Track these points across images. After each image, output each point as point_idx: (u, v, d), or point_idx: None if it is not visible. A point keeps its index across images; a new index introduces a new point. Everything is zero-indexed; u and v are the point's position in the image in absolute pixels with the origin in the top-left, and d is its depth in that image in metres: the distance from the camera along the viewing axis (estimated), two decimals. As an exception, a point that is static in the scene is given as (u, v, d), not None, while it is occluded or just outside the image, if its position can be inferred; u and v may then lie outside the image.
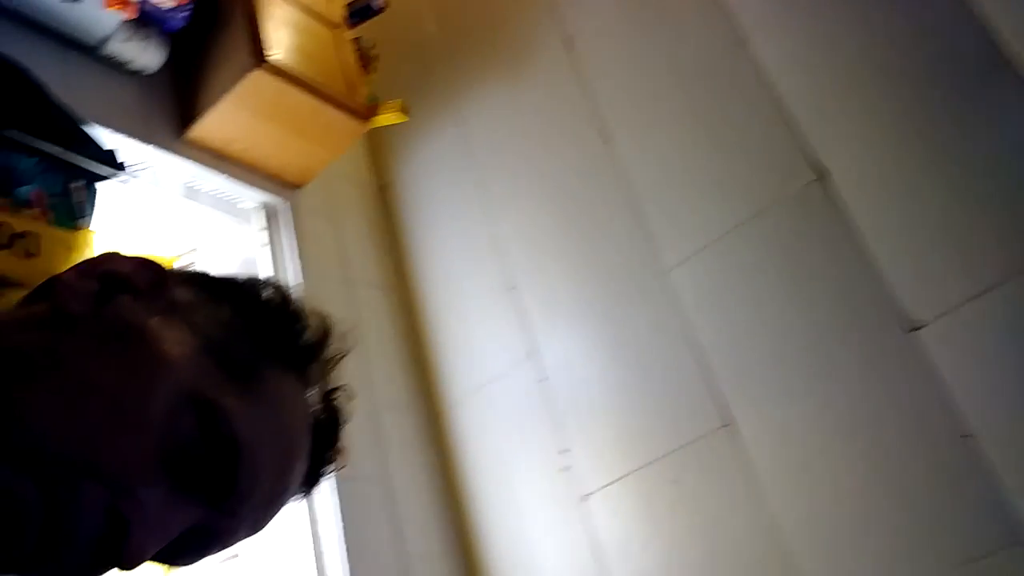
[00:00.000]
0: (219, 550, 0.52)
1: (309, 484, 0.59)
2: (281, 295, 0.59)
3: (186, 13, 2.26)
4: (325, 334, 0.59)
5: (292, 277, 2.44)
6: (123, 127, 2.19)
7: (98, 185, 2.22)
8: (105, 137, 2.10)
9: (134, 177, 2.18)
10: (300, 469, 0.55)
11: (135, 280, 0.52)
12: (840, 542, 1.74)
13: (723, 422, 1.96)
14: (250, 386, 0.50)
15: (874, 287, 1.82)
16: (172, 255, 2.22)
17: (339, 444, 0.61)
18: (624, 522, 2.07)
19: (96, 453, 0.44)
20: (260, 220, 2.52)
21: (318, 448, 0.57)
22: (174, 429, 0.46)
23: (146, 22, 2.23)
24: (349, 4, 2.65)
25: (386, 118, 2.44)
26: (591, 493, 2.14)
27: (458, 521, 2.36)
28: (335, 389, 0.61)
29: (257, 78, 2.22)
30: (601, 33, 2.48)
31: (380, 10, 2.66)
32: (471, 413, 2.45)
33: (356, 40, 2.63)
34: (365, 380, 2.40)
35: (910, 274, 1.79)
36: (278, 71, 2.25)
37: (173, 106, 2.36)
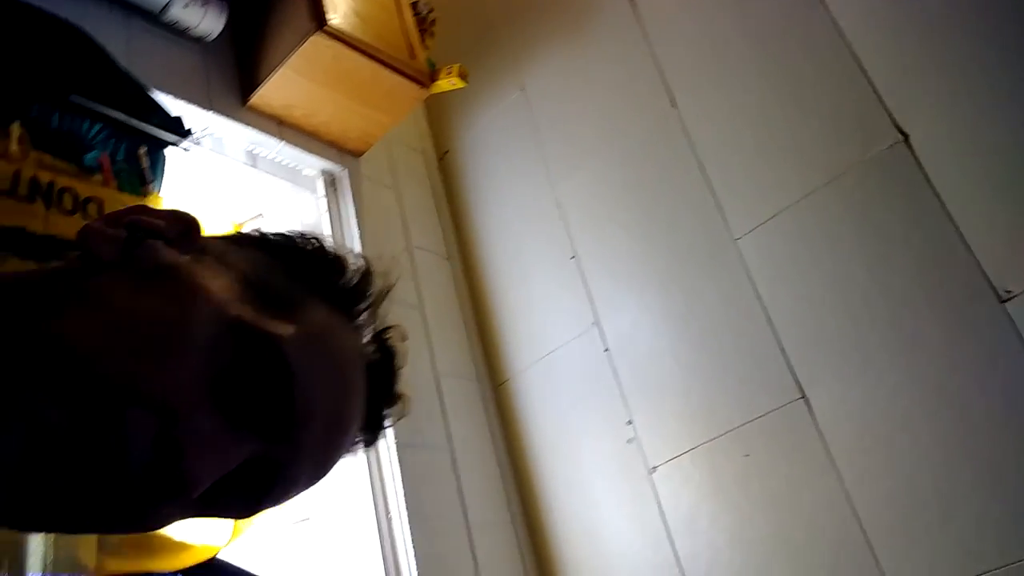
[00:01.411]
0: (284, 492, 0.48)
1: (371, 430, 0.56)
2: (317, 240, 0.58)
3: (246, -22, 2.24)
4: (366, 273, 0.58)
5: (353, 244, 2.42)
6: (185, 94, 2.19)
7: (165, 152, 2.21)
8: (168, 104, 2.11)
9: (198, 144, 2.18)
10: (358, 405, 0.52)
11: (165, 229, 0.50)
12: (918, 524, 1.67)
13: (798, 394, 1.90)
14: (295, 317, 0.48)
15: (961, 256, 1.72)
16: (237, 222, 2.22)
17: (397, 386, 0.59)
18: (692, 495, 2.02)
19: (139, 378, 0.41)
20: (320, 187, 2.51)
21: (375, 390, 0.55)
22: (219, 356, 0.44)
23: (207, -13, 2.21)
24: (408, -35, 2.59)
25: (446, 83, 2.39)
26: (658, 465, 2.09)
27: (522, 490, 2.34)
28: (387, 329, 0.59)
29: (317, 42, 2.20)
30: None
31: (440, -29, 2.60)
32: (534, 382, 2.42)
33: (415, 4, 2.58)
34: (426, 348, 2.38)
35: (1000, 242, 1.69)
36: (338, 35, 2.22)
37: (234, 72, 2.35)
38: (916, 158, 1.82)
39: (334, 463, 0.52)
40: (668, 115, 2.28)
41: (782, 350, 1.94)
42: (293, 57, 2.23)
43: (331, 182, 2.53)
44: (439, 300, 2.55)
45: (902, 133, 1.85)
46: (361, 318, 0.57)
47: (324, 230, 2.44)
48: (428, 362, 2.36)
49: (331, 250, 0.58)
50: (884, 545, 1.71)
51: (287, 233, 0.58)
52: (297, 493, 0.50)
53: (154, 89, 2.09)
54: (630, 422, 2.18)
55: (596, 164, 2.43)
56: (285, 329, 0.46)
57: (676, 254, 2.19)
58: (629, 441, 2.17)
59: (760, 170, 2.07)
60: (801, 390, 1.89)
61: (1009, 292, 1.66)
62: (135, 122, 2.05)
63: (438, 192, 2.83)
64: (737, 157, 2.12)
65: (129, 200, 1.97)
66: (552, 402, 2.36)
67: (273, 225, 2.39)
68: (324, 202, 2.49)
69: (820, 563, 1.79)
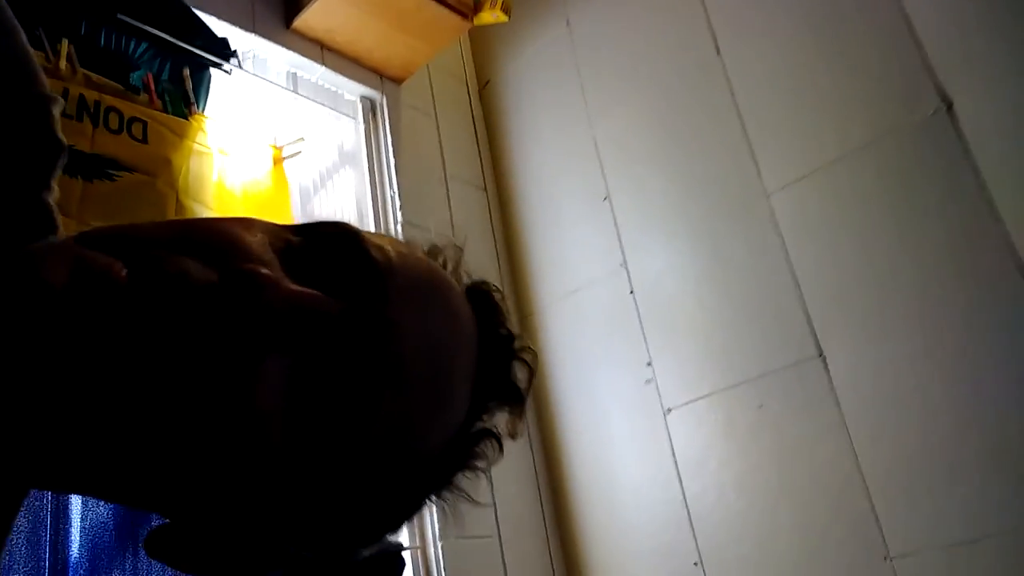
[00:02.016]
0: (396, 357, 0.39)
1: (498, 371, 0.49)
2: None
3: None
4: (433, 246, 0.52)
5: (389, 170, 2.46)
6: (230, 15, 2.20)
7: (210, 72, 2.24)
8: (213, 25, 2.13)
9: (242, 66, 2.21)
10: (455, 297, 0.47)
11: None
12: (921, 488, 1.73)
13: (816, 352, 1.93)
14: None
15: (993, 232, 1.72)
16: (280, 144, 2.26)
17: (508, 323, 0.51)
18: (704, 439, 2.10)
19: (198, 233, 0.37)
20: (360, 112, 2.53)
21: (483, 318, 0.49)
22: (278, 235, 0.40)
23: (253, -94, 2.20)
24: None
25: (489, 16, 2.37)
26: (674, 408, 2.16)
27: (541, 423, 2.43)
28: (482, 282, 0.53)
29: (362, -31, 2.19)
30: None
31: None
32: (560, 318, 2.48)
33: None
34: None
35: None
36: (383, -38, 2.20)
37: (278, -4, 2.35)
38: (957, 128, 1.79)
39: (453, 354, 0.44)
40: (711, 62, 2.25)
41: (804, 308, 1.97)
42: (337, -17, 2.22)
43: (371, 108, 2.55)
44: (471, 231, 2.60)
45: (946, 101, 1.82)
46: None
47: (362, 156, 2.48)
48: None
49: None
50: (885, 505, 1.77)
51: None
52: (415, 389, 0.41)
53: (199, 10, 2.11)
54: (649, 364, 2.23)
55: (636, 106, 2.42)
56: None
57: (708, 203, 2.20)
58: (647, 382, 2.23)
59: (799, 126, 2.05)
60: (819, 349, 1.93)
61: (1037, 270, 1.66)
62: (180, 42, 2.08)
63: (478, 122, 2.84)
64: (777, 111, 2.10)
65: (174, 122, 2.02)
66: (575, 339, 2.43)
67: (314, 151, 2.43)
68: (363, 127, 2.51)
69: (821, 515, 1.87)
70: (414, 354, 0.40)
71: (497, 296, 0.52)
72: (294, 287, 0.36)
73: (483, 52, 2.90)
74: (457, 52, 2.89)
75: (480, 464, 0.50)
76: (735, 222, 2.14)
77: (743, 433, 2.04)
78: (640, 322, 2.28)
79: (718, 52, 2.25)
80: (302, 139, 2.31)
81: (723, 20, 2.25)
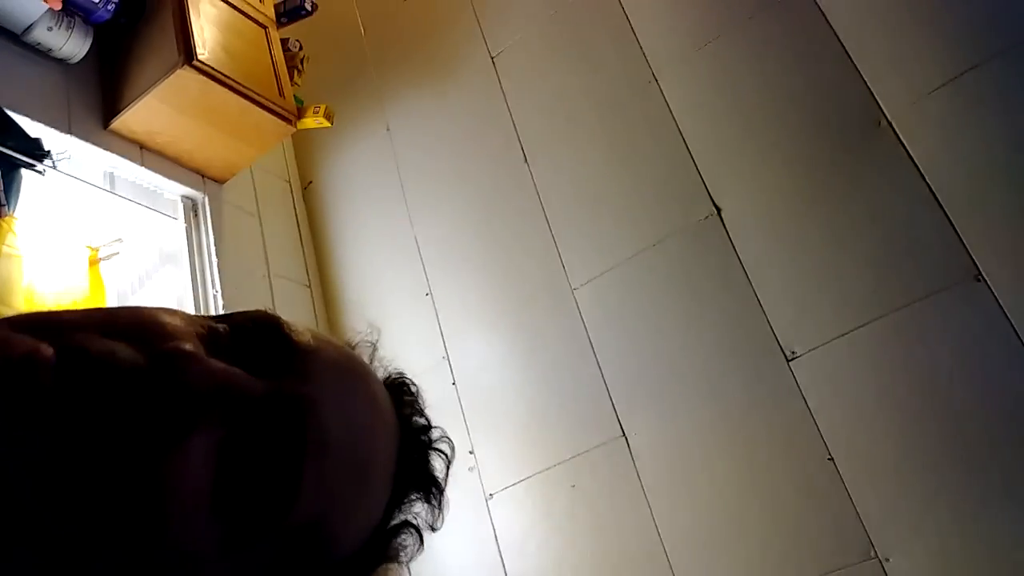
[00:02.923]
0: (320, 448, 0.40)
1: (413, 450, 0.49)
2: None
3: (113, 5, 2.27)
4: (348, 344, 0.52)
5: (212, 269, 2.48)
6: (45, 115, 2.19)
7: (22, 173, 2.20)
8: (27, 125, 2.11)
9: (57, 167, 2.18)
10: (371, 375, 0.47)
11: None
12: (713, 547, 1.93)
13: (619, 432, 2.12)
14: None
15: (757, 318, 2.00)
16: (96, 245, 2.23)
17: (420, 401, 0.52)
18: (525, 521, 2.22)
19: (123, 318, 0.38)
20: (181, 212, 2.54)
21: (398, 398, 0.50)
22: (203, 325, 0.41)
23: (72, 11, 2.23)
24: (279, 4, 2.67)
25: (312, 122, 2.49)
26: (495, 493, 2.27)
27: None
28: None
29: (184, 76, 2.24)
30: (525, 54, 2.59)
31: (311, 12, 2.69)
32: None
33: (285, 41, 2.66)
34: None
35: (789, 308, 1.98)
36: (206, 70, 2.27)
37: (98, 97, 2.36)
38: (727, 229, 2.09)
39: (372, 438, 0.44)
40: (520, 168, 2.48)
41: (608, 391, 2.17)
42: (159, 87, 2.26)
43: (192, 207, 2.57)
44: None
45: (716, 206, 2.12)
46: None
47: (183, 255, 2.48)
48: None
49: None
50: (684, 567, 1.95)
51: None
52: (336, 467, 0.41)
53: (12, 111, 2.09)
54: (471, 451, 2.35)
55: (453, 207, 2.60)
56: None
57: (522, 298, 2.39)
58: (470, 469, 2.33)
59: (598, 228, 2.30)
60: (622, 428, 2.12)
61: (794, 352, 1.94)
62: (-10, 142, 2.04)
63: (301, 221, 2.91)
64: (579, 214, 2.34)
65: (-19, 223, 1.97)
66: (401, 430, 2.49)
67: (133, 251, 2.41)
68: (184, 227, 2.52)
69: (630, 584, 2.02)
70: (336, 432, 0.41)
71: (414, 388, 0.53)
72: (218, 364, 0.36)
73: (306, 153, 3.01)
74: (280, 154, 2.97)
75: (401, 557, 0.49)
76: (546, 315, 2.33)
77: (559, 512, 2.18)
78: (462, 411, 2.40)
79: (526, 160, 2.48)
80: (120, 240, 2.29)
81: (530, 132, 2.50)
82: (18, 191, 2.12)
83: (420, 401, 0.52)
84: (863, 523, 1.78)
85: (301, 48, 2.67)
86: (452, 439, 0.53)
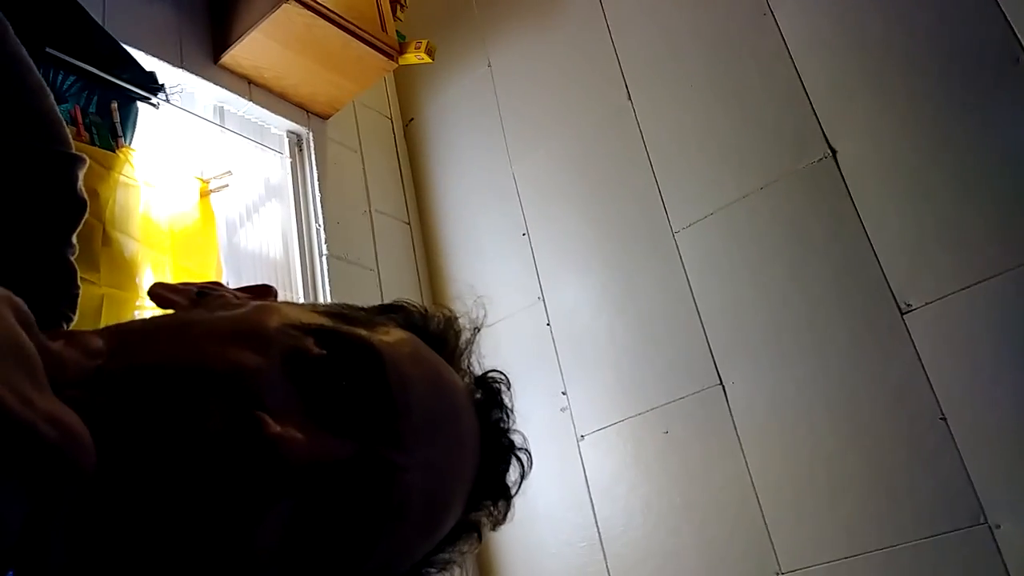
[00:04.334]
0: (403, 509, 0.40)
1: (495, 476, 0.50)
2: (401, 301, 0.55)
3: (223, -61, 2.29)
4: (451, 319, 0.54)
5: (315, 204, 2.53)
6: (158, 50, 2.25)
7: (137, 106, 2.27)
8: (141, 59, 2.17)
9: (170, 100, 2.25)
10: (467, 419, 0.48)
11: (227, 291, 0.50)
12: (809, 503, 1.87)
13: (716, 381, 2.07)
14: (377, 331, 0.45)
15: (871, 267, 1.89)
16: (207, 177, 2.30)
17: (513, 430, 0.53)
18: (615, 464, 2.21)
19: (213, 366, 0.37)
20: (286, 147, 2.59)
21: (489, 431, 0.50)
22: (300, 357, 0.39)
23: (184, -54, 2.26)
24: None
25: (413, 58, 2.47)
26: (587, 434, 2.27)
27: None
28: (489, 372, 0.55)
29: (289, 10, 2.26)
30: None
31: (414, -56, 2.65)
32: (479, 348, 2.56)
33: (388, -26, 2.63)
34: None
35: (906, 259, 1.86)
36: (310, 4, 2.28)
37: (208, 32, 2.41)
38: (842, 173, 1.97)
39: (453, 482, 0.45)
40: (623, 107, 2.40)
41: (706, 339, 2.11)
42: (265, 22, 2.29)
43: (297, 143, 2.62)
44: (396, 263, 2.67)
45: (831, 148, 2.00)
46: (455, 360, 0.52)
47: (288, 189, 2.54)
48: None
49: (413, 304, 0.55)
50: (777, 522, 1.91)
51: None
52: (414, 527, 0.42)
53: (128, 45, 2.15)
54: (564, 392, 2.34)
55: (553, 145, 2.55)
56: (366, 331, 0.43)
57: (620, 240, 2.34)
58: (562, 410, 2.33)
59: (702, 169, 2.21)
60: (719, 376, 2.07)
61: (909, 305, 1.83)
62: (108, 76, 2.11)
63: (402, 158, 2.93)
64: (682, 154, 2.26)
65: (101, 154, 2.05)
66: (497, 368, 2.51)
67: (241, 184, 2.48)
68: (289, 162, 2.58)
69: (720, 534, 1.99)
70: (418, 496, 0.41)
71: (504, 392, 0.53)
72: (311, 445, 0.36)
73: (407, 90, 3.00)
74: (382, 90, 2.98)
75: (457, 557, 0.51)
76: (644, 258, 2.27)
77: (650, 458, 2.15)
78: (556, 353, 2.39)
79: (630, 98, 2.40)
80: (229, 172, 2.35)
81: (635, 69, 2.41)
82: (135, 124, 2.20)
83: (510, 404, 0.53)
84: (974, 487, 1.69)
85: (404, -18, 2.65)
86: (531, 450, 0.54)
